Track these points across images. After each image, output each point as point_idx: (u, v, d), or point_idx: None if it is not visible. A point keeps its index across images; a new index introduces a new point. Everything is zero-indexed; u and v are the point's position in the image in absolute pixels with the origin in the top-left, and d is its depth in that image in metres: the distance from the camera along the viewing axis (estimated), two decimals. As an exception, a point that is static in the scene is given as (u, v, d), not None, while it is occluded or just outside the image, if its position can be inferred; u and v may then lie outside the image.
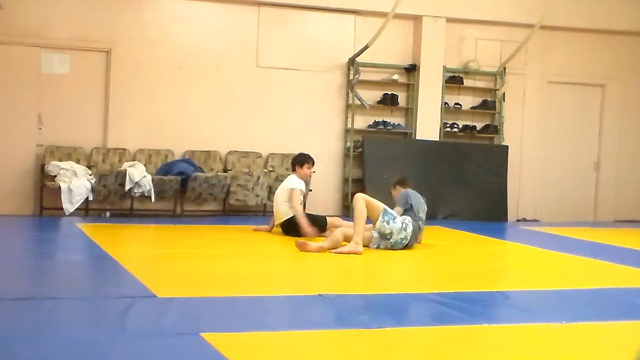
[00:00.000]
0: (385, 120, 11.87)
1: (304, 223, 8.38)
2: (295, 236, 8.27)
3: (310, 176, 9.08)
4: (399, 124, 11.97)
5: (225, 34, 11.31)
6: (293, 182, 8.65)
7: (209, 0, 11.23)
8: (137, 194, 10.34)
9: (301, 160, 8.85)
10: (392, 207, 7.81)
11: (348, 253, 7.28)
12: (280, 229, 8.72)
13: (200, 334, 4.17)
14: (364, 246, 7.47)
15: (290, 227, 8.49)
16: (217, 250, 7.55)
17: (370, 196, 7.82)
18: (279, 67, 11.49)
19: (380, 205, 7.66)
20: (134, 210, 10.58)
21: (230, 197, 10.75)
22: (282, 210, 8.62)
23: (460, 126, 12.26)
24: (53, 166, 10.23)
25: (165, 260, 6.83)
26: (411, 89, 12.01)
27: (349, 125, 11.71)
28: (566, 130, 12.85)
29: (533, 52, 12.50)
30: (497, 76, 12.43)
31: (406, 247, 7.69)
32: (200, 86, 11.17)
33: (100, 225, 9.43)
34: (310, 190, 11.09)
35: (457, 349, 4.27)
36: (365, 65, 11.67)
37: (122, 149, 10.82)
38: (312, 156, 9.00)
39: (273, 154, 11.39)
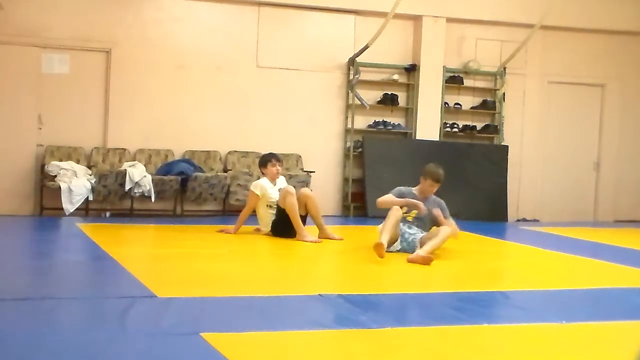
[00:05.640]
0: (385, 120, 11.87)
1: (240, 219, 8.58)
2: (285, 237, 8.26)
3: (278, 173, 8.65)
4: (399, 124, 11.97)
5: (225, 34, 11.30)
6: (252, 185, 8.64)
7: (209, 0, 11.23)
8: (137, 194, 10.33)
9: (263, 162, 8.69)
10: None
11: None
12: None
13: (200, 334, 4.17)
14: None
15: (279, 229, 8.44)
16: (217, 250, 7.55)
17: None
18: (279, 67, 11.48)
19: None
20: (134, 210, 10.57)
21: (230, 197, 10.75)
22: (263, 222, 8.62)
23: (460, 126, 12.26)
24: (53, 166, 10.22)
25: (165, 260, 6.84)
26: (411, 89, 12.01)
27: (349, 125, 11.71)
28: (566, 130, 12.85)
29: (533, 52, 12.50)
30: (497, 76, 12.42)
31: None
32: (200, 86, 11.17)
33: (100, 225, 9.44)
34: (311, 190, 11.06)
35: (457, 349, 4.27)
36: (365, 65, 11.67)
37: (122, 149, 10.82)
38: (274, 154, 8.86)
39: (273, 154, 11.38)
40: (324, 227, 8.50)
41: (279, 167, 8.64)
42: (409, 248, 7.43)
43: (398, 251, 7.47)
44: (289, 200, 8.21)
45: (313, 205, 8.47)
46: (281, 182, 8.73)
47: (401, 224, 7.55)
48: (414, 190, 7.78)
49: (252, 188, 8.62)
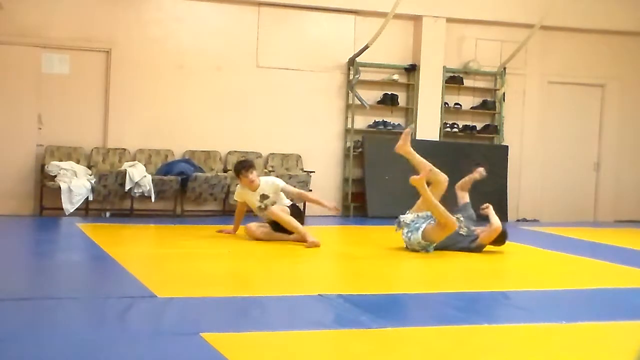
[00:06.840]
0: (385, 120, 11.87)
1: (235, 221, 8.61)
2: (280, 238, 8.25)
3: (253, 182, 8.27)
4: (399, 124, 11.97)
5: (225, 34, 11.30)
6: (236, 190, 8.66)
7: (209, 0, 11.23)
8: (137, 194, 10.33)
9: (237, 171, 8.41)
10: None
11: None
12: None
13: (200, 334, 4.17)
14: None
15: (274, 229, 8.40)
16: (217, 250, 7.55)
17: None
18: (279, 67, 11.48)
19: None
20: (134, 210, 10.57)
21: (230, 197, 10.74)
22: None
23: (460, 126, 12.26)
24: (53, 166, 10.22)
25: (165, 260, 6.83)
26: (411, 89, 12.01)
27: (349, 125, 11.71)
28: (566, 130, 12.85)
29: (533, 52, 12.50)
30: (497, 76, 12.43)
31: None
32: (200, 86, 11.17)
33: (100, 225, 9.44)
34: (310, 190, 11.08)
35: (457, 349, 4.27)
36: (365, 65, 11.67)
37: (122, 149, 10.82)
38: (246, 161, 8.70)
39: (273, 154, 11.38)
40: (300, 233, 8.15)
41: (251, 177, 8.26)
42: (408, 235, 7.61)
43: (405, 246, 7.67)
44: (278, 218, 8.17)
45: (278, 220, 8.21)
46: (266, 184, 8.40)
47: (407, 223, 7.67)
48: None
49: (234, 194, 8.68)
